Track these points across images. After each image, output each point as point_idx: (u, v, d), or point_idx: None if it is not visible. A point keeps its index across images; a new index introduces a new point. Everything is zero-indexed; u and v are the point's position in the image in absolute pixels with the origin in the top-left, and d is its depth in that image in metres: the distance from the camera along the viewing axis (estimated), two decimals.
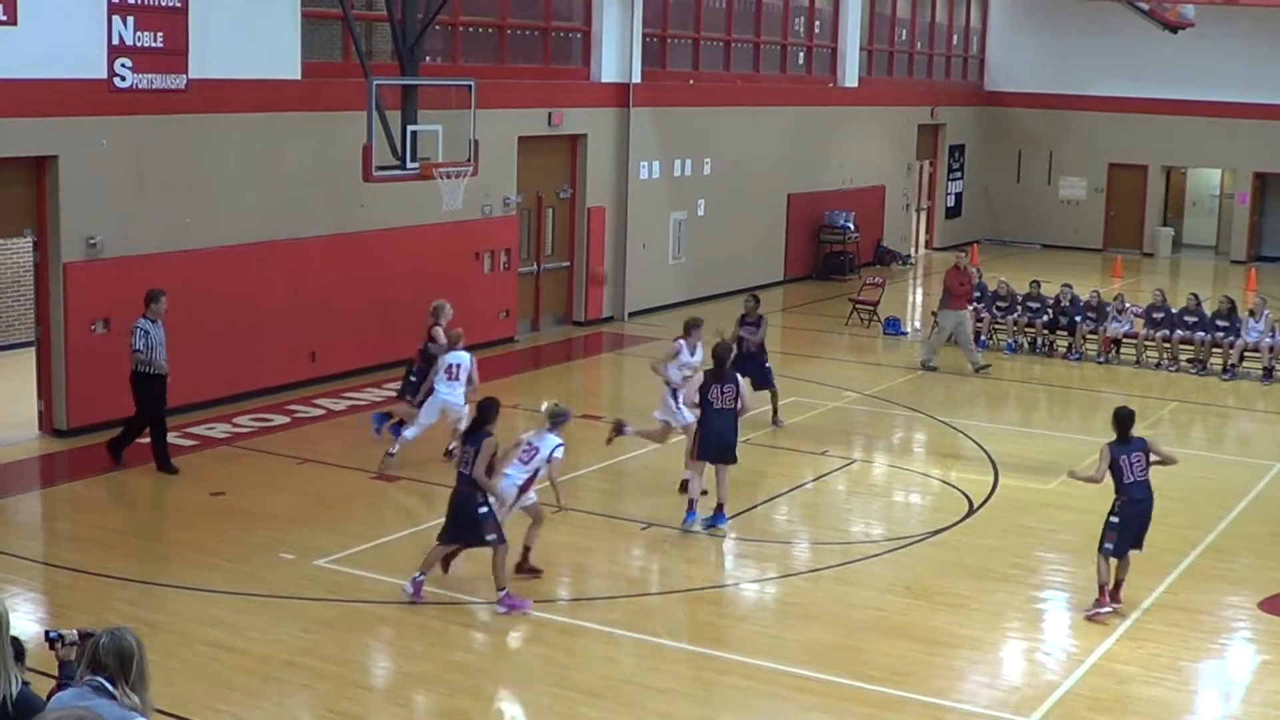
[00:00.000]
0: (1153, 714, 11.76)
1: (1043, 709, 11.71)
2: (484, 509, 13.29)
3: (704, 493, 16.22)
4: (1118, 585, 13.86)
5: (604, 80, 28.07)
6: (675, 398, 17.32)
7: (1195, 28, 38.49)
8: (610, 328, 28.50)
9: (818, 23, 35.73)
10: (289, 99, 21.35)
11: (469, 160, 21.25)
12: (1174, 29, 38.58)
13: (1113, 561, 13.73)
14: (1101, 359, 26.47)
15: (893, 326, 29.11)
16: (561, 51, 27.74)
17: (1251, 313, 25.91)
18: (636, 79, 28.67)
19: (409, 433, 17.91)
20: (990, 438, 20.66)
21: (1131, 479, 13.71)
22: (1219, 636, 13.61)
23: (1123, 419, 13.95)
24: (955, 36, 42.98)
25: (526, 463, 13.96)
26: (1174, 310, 26.29)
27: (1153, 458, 13.89)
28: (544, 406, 15.56)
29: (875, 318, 29.51)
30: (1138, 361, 26.09)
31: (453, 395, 17.58)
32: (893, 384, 24.32)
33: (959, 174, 43.38)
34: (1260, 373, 25.23)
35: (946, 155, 42.55)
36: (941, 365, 25.30)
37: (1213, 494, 18.06)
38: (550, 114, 26.69)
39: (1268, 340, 25.27)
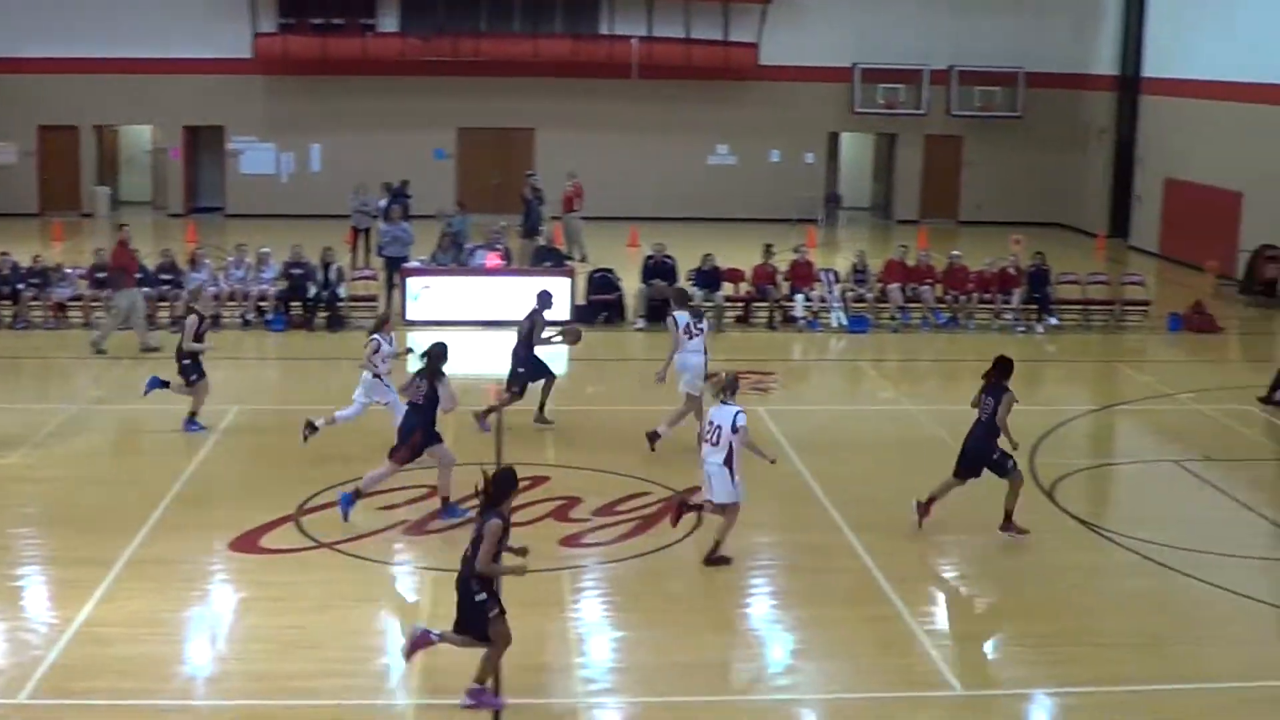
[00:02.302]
0: (143, 671, 11.90)
1: (29, 686, 11.48)
2: (480, 596, 11.33)
3: None
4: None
5: None
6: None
7: None
8: None
9: None
10: None
11: None
12: None
13: None
14: (51, 324, 25.98)
15: None
16: None
17: (192, 262, 26.77)
18: None
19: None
20: None
21: None
22: (196, 583, 13.96)
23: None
24: None
25: (716, 443, 14.30)
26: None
27: None
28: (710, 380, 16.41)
29: None
30: (86, 324, 25.81)
31: None
32: None
33: None
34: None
35: None
36: None
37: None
38: None
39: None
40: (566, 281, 27.05)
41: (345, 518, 15.59)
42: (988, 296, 28.09)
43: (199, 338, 19.30)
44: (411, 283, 26.78)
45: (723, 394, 14.92)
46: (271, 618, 13.22)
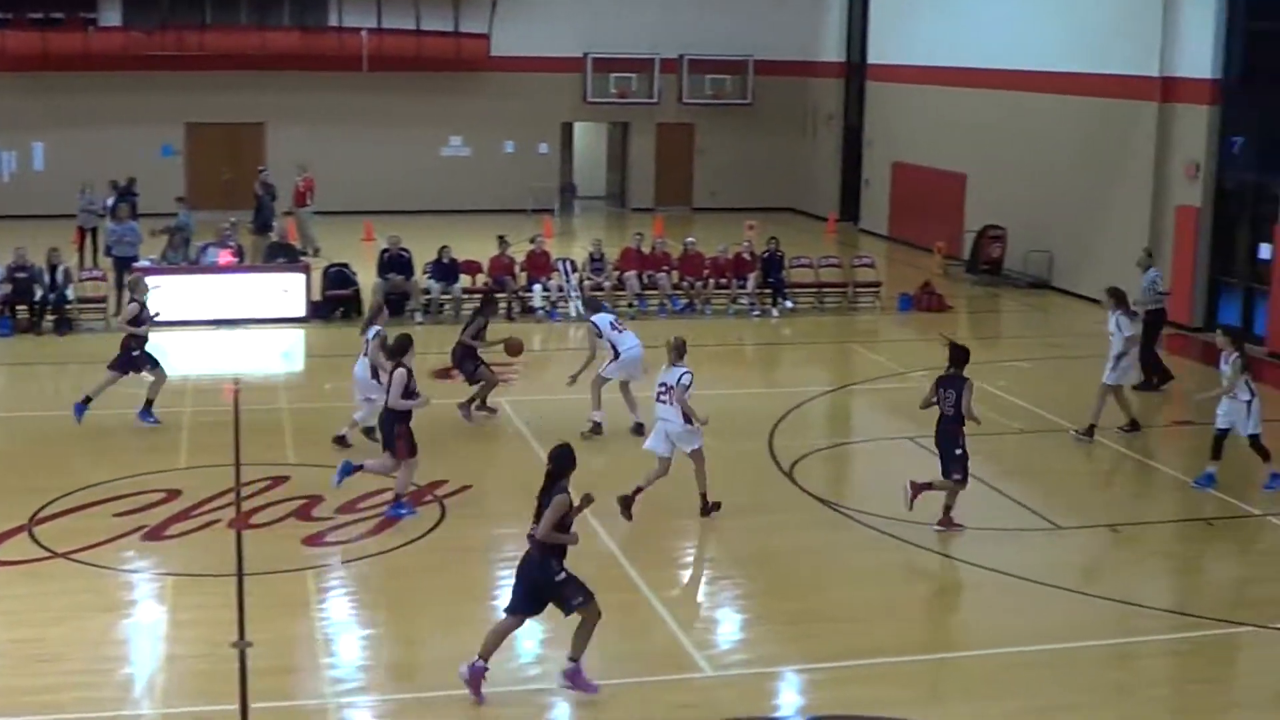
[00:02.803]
0: None
1: None
2: (561, 575, 11.51)
3: None
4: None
5: None
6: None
7: None
8: None
9: None
10: None
11: None
12: None
13: None
14: None
15: None
16: None
17: None
18: None
19: None
20: None
21: None
22: None
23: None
24: None
25: (670, 403, 15.61)
26: None
27: None
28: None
29: None
30: None
31: None
32: None
33: None
34: None
35: None
36: None
37: None
38: None
39: None
40: (301, 278, 26.59)
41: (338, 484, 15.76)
42: (723, 282, 28.49)
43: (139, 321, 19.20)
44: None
45: (672, 355, 16.03)
46: (8, 631, 12.69)
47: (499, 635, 11.77)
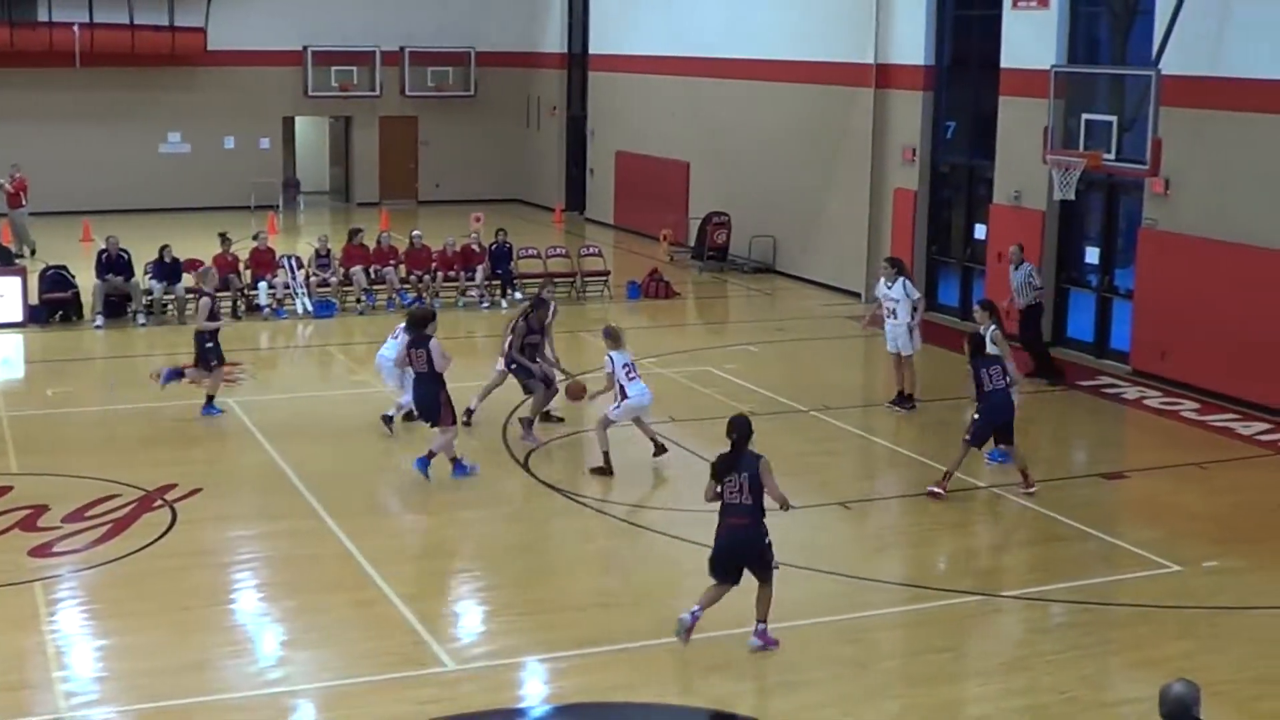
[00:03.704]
0: None
1: None
2: (769, 539, 12.29)
3: None
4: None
5: None
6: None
7: None
8: None
9: None
10: None
11: None
12: None
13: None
14: None
15: None
16: None
17: None
18: None
19: None
20: None
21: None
22: None
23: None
24: None
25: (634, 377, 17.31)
26: None
27: None
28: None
29: None
30: None
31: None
32: None
33: None
34: None
35: None
36: None
37: None
38: None
39: None
40: (17, 281, 25.67)
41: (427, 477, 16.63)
42: (451, 275, 28.42)
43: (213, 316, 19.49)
44: None
45: (613, 343, 17.43)
46: None
47: (713, 600, 12.40)
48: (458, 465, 16.99)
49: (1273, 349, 20.47)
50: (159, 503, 16.06)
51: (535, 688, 12.21)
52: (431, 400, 16.78)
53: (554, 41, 42.93)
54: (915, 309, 20.47)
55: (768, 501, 12.32)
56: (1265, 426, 20.02)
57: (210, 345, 19.50)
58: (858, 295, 28.57)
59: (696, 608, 12.32)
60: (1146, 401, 21.30)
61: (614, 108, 39.62)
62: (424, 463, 16.74)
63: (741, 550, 12.29)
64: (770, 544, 12.30)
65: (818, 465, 18.37)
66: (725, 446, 12.38)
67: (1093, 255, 24.66)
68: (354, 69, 42.34)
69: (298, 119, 44.52)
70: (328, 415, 20.46)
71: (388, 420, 18.90)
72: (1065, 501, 16.69)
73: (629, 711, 11.69)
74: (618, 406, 17.61)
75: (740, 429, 12.35)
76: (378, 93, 42.68)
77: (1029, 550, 15.64)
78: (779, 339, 25.75)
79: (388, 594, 13.68)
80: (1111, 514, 16.68)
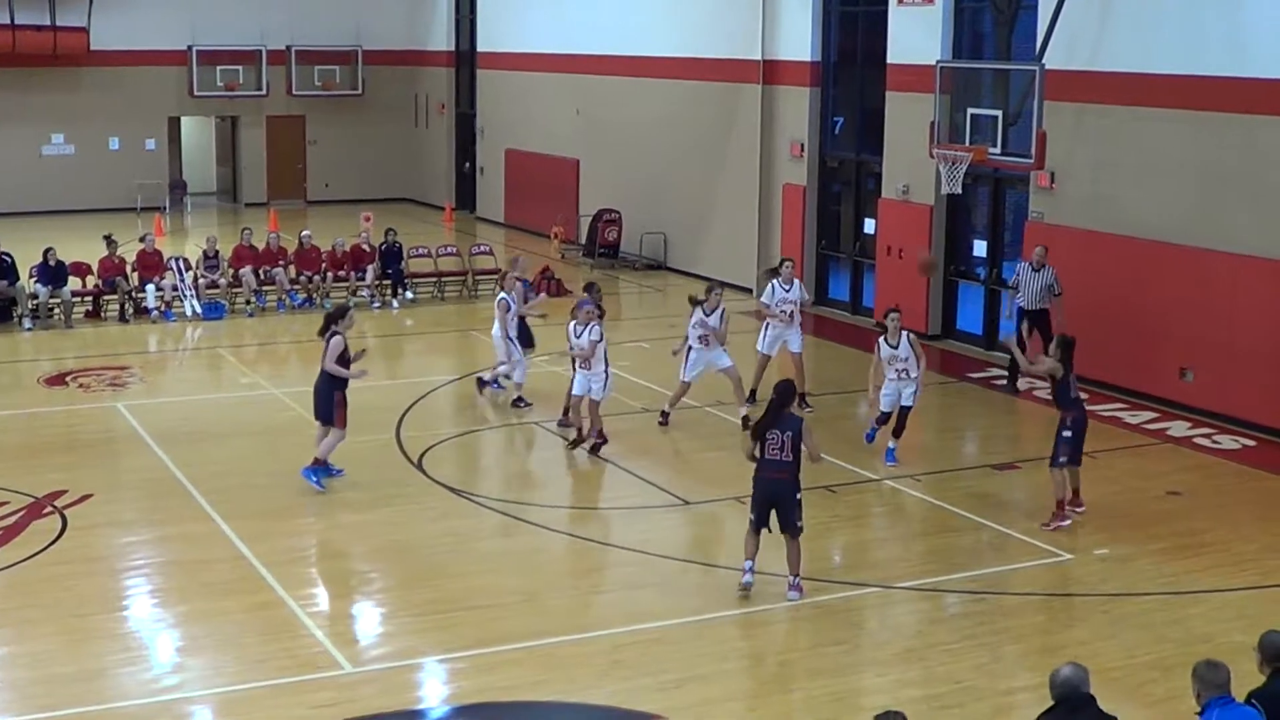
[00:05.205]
0: None
1: None
2: (799, 495, 13.41)
3: None
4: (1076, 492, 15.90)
5: None
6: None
7: None
8: None
9: None
10: None
11: None
12: None
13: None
14: None
15: None
16: None
17: None
18: None
19: None
20: None
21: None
22: None
23: None
24: None
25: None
26: None
27: None
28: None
29: None
30: None
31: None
32: None
33: None
34: None
35: None
36: None
37: None
38: None
39: None
40: None
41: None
42: (341, 275, 28.22)
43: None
44: None
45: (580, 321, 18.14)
46: None
47: (753, 550, 13.46)
48: (324, 468, 16.68)
49: (1157, 339, 20.86)
50: (49, 509, 15.81)
51: (435, 688, 12.17)
52: (324, 399, 16.62)
53: (441, 40, 42.73)
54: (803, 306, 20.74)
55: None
56: (1152, 415, 20.40)
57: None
58: (749, 290, 28.69)
59: (748, 563, 13.41)
60: (1036, 393, 21.58)
61: (503, 106, 39.51)
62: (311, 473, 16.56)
63: (776, 498, 13.30)
64: (800, 501, 13.37)
65: (711, 460, 18.44)
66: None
67: (980, 248, 25.00)
68: (240, 68, 41.91)
69: (184, 119, 43.98)
70: (218, 418, 20.25)
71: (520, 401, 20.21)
72: (958, 493, 16.91)
73: (530, 711, 11.67)
74: (605, 386, 18.24)
75: (781, 393, 13.39)
76: (264, 92, 42.28)
77: (923, 541, 15.80)
78: (670, 335, 25.77)
79: (283, 597, 13.56)
80: (1003, 504, 16.89)
